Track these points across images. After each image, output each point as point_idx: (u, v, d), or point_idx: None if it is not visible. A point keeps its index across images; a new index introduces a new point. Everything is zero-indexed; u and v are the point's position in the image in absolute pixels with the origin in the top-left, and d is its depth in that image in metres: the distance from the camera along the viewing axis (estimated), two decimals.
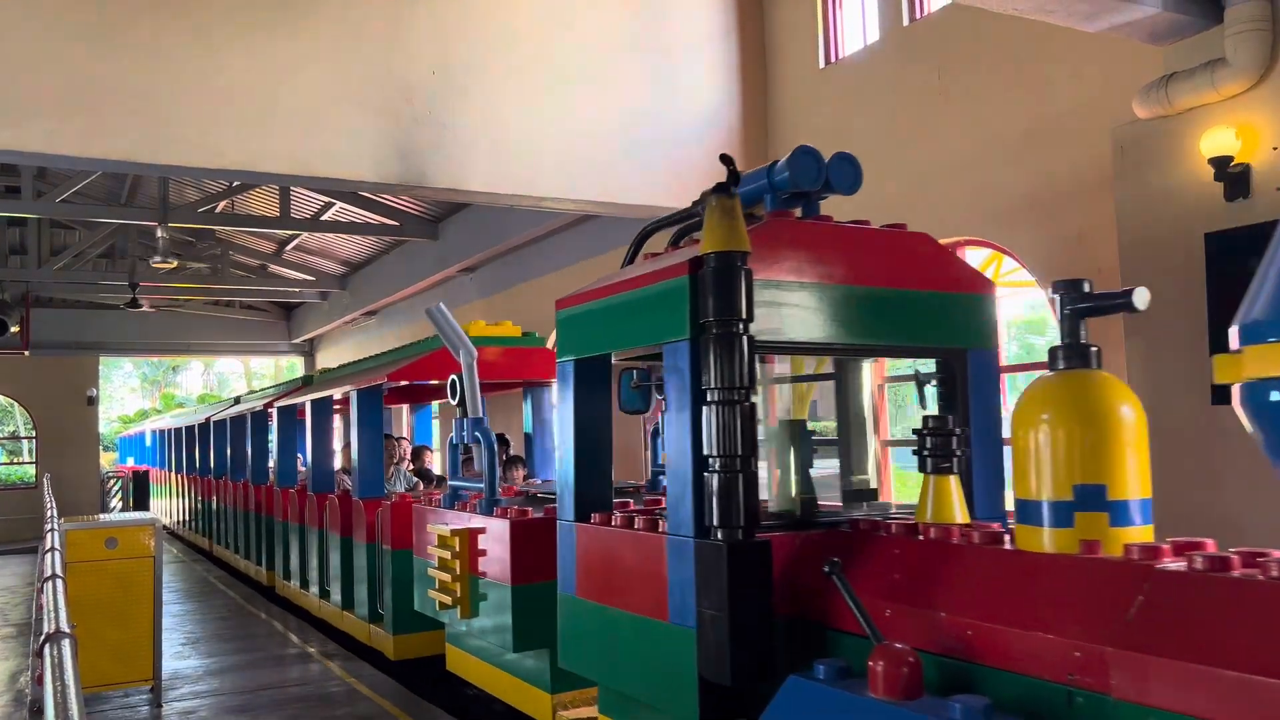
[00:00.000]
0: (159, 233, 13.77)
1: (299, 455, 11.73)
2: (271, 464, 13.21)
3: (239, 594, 11.86)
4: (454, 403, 4.96)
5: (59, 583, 3.97)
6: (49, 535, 6.07)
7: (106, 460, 30.62)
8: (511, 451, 10.26)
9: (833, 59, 8.64)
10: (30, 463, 22.42)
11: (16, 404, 22.45)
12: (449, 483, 5.34)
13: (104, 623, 6.53)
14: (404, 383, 8.58)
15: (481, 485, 5.47)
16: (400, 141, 7.53)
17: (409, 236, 15.02)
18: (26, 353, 19.66)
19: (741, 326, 2.96)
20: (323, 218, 15.73)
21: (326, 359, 23.37)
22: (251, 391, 16.56)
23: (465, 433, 5.03)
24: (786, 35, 9.02)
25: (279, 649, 8.61)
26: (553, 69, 8.12)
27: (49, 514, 8.71)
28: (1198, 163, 5.29)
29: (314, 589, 9.55)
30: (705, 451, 2.99)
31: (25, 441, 22.84)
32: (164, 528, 19.94)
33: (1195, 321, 5.34)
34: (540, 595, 4.54)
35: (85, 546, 6.61)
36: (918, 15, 7.79)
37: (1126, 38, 5.59)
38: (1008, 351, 13.35)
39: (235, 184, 13.86)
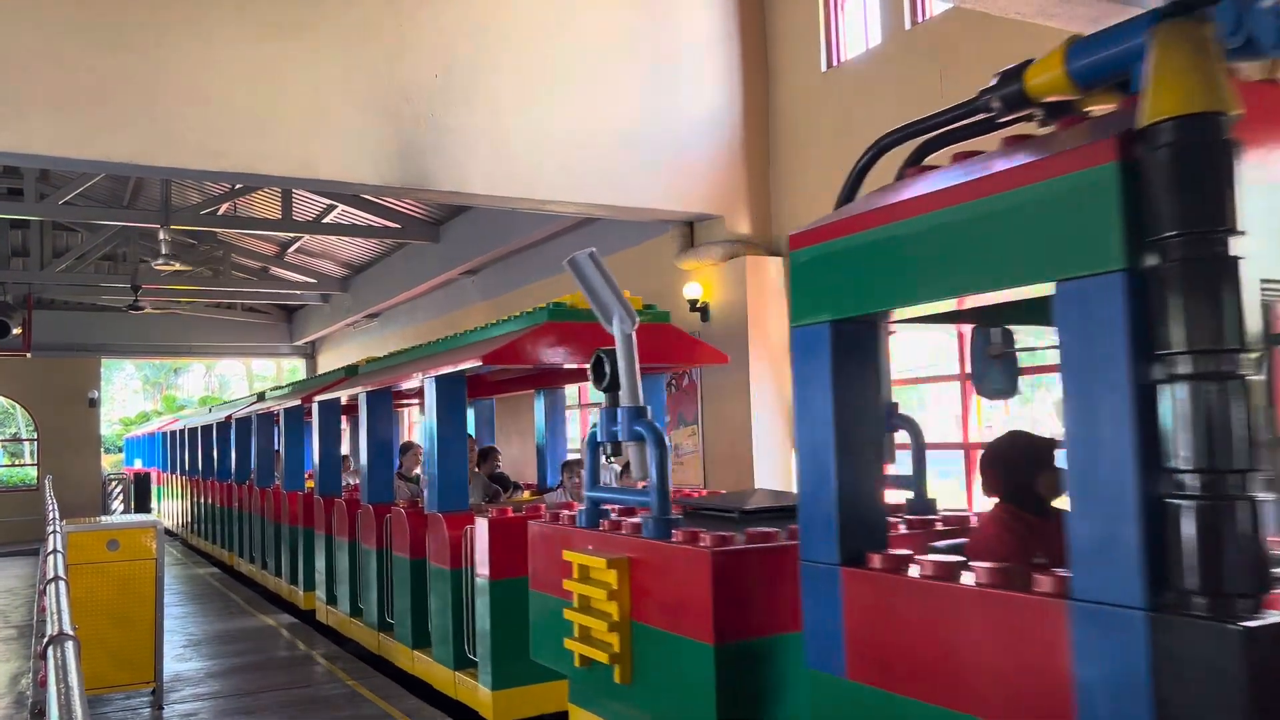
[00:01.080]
0: (161, 235, 13.78)
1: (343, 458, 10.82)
2: (310, 468, 12.27)
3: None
4: (600, 387, 3.91)
5: (61, 585, 3.97)
6: (51, 537, 6.07)
7: (108, 462, 30.64)
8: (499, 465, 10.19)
9: (835, 62, 8.65)
10: (32, 465, 22.43)
11: (18, 406, 22.46)
12: (587, 493, 4.15)
13: (105, 625, 6.54)
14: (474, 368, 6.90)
15: (634, 496, 4.08)
16: (402, 144, 7.53)
17: (410, 239, 15.03)
18: (28, 354, 19.67)
19: (1236, 246, 1.79)
20: (324, 220, 15.75)
21: (328, 361, 23.38)
22: (278, 386, 14.85)
23: (619, 427, 3.86)
24: (788, 38, 9.03)
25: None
26: (555, 72, 8.13)
27: (50, 516, 8.71)
28: None
29: (370, 619, 8.07)
30: (1169, 462, 1.83)
31: (27, 443, 22.85)
32: (178, 539, 19.04)
33: None
34: (755, 659, 3.21)
35: (87, 548, 6.62)
36: (920, 18, 7.80)
37: None
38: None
39: (237, 186, 13.88)
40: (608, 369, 3.94)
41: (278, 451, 11.97)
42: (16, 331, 18.98)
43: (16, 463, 24.90)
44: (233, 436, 14.04)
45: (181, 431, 19.34)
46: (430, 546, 6.70)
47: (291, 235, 17.41)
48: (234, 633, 9.60)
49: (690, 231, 9.21)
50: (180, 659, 8.30)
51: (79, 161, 6.93)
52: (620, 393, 3.89)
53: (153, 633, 6.74)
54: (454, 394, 6.55)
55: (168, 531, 20.61)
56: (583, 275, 3.95)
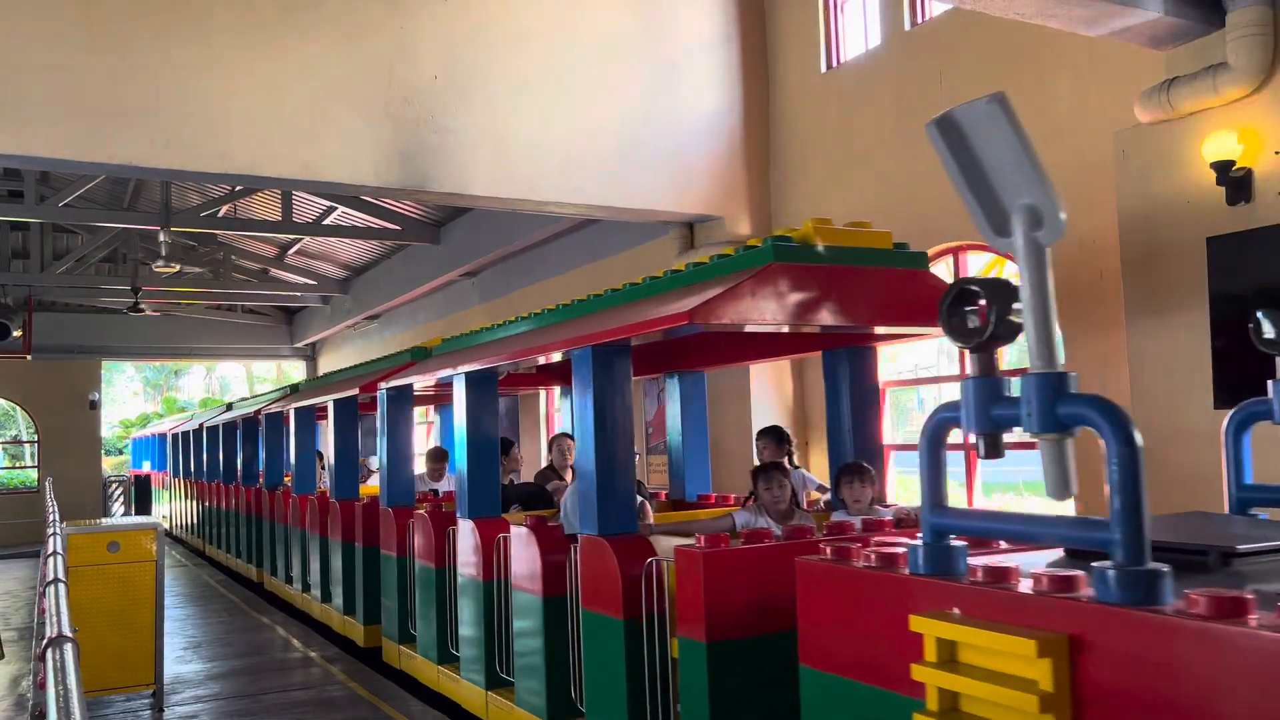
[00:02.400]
0: (161, 237, 13.78)
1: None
2: (365, 472, 11.15)
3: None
4: (968, 344, 2.36)
5: (61, 587, 3.97)
6: (51, 539, 6.07)
7: (109, 464, 30.61)
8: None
9: (834, 63, 8.65)
10: (32, 467, 22.44)
11: (19, 408, 22.47)
12: (928, 517, 2.54)
13: (106, 627, 6.53)
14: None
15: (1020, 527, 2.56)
16: (402, 146, 7.54)
17: (411, 241, 15.03)
18: (29, 357, 19.67)
19: None
20: (324, 222, 15.75)
21: (328, 363, 23.38)
22: (319, 377, 12.69)
23: (1027, 407, 2.23)
24: (788, 39, 9.03)
25: (280, 653, 8.60)
26: (555, 73, 8.14)
27: (51, 518, 8.71)
28: (1200, 167, 5.29)
29: (477, 677, 6.00)
30: None
31: (27, 445, 22.85)
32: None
33: (1197, 326, 5.34)
34: None
35: (87, 550, 6.62)
36: (919, 20, 7.80)
37: (1128, 42, 5.60)
38: (1008, 357, 13.35)
39: (237, 188, 13.88)
40: (989, 306, 2.25)
41: (319, 452, 11.01)
42: (17, 334, 18.98)
43: (17, 465, 24.90)
44: (262, 435, 12.35)
45: (198, 430, 17.41)
46: (594, 586, 4.62)
47: (292, 237, 17.42)
48: (234, 634, 9.60)
49: (690, 233, 9.22)
50: (181, 661, 8.30)
51: (79, 164, 6.94)
52: (1030, 345, 2.20)
53: (153, 634, 6.74)
54: (618, 371, 4.63)
55: (174, 537, 19.89)
56: (969, 139, 2.35)
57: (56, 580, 4.10)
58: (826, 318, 4.03)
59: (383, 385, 7.65)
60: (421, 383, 7.05)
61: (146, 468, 26.69)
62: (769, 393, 8.89)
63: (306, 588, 10.14)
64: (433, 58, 7.70)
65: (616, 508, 4.58)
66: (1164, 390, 5.48)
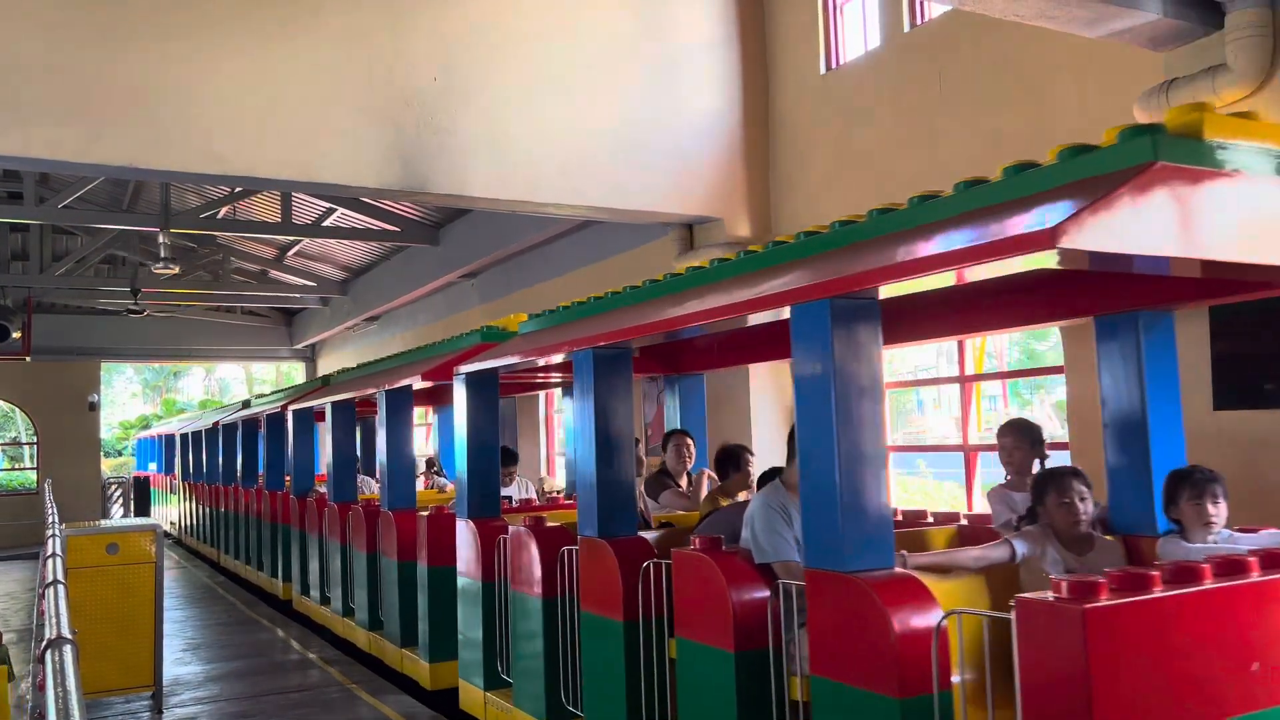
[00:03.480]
0: (160, 238, 13.78)
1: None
2: (424, 478, 10.23)
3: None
4: None
5: (60, 588, 3.96)
6: (50, 541, 6.07)
7: (108, 466, 30.58)
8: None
9: (834, 65, 8.66)
10: (31, 468, 22.43)
11: (18, 409, 22.47)
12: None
13: (105, 629, 6.54)
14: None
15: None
16: (402, 147, 7.54)
17: (410, 242, 15.02)
18: (28, 358, 19.67)
19: None
20: (324, 223, 15.75)
21: (328, 365, 23.38)
22: (360, 366, 10.45)
23: None
24: (788, 41, 9.04)
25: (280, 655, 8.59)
26: (555, 75, 8.14)
27: (50, 519, 8.71)
28: None
29: None
30: None
31: (26, 447, 22.84)
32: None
33: (1197, 328, 5.34)
34: None
35: (86, 552, 6.62)
36: (918, 21, 7.81)
37: (1127, 43, 5.60)
38: (1008, 358, 13.37)
39: (237, 190, 13.88)
40: None
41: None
42: (16, 335, 18.98)
43: (16, 466, 24.89)
44: (290, 432, 10.95)
45: (211, 430, 15.99)
46: (865, 666, 3.16)
47: (291, 239, 17.41)
48: (233, 636, 9.59)
49: (690, 234, 9.22)
50: (180, 662, 8.30)
51: (79, 165, 6.94)
52: None
53: (152, 636, 6.74)
54: (863, 336, 3.33)
55: (185, 545, 18.87)
56: None
57: (55, 582, 4.09)
58: (1248, 249, 2.67)
59: (462, 368, 6.02)
60: (513, 365, 5.58)
61: (153, 469, 25.39)
62: (768, 394, 8.89)
63: (349, 611, 8.74)
64: (432, 59, 7.70)
65: (830, 535, 3.31)
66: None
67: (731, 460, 5.72)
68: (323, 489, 10.03)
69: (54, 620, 3.25)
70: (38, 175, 13.44)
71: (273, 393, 15.42)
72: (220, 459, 15.28)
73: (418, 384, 7.12)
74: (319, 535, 9.58)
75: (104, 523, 9.28)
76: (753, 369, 8.68)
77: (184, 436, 19.25)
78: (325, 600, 9.52)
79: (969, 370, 7.66)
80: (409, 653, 7.24)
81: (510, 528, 5.59)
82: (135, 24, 6.85)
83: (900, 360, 9.27)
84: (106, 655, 6.52)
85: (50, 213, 13.38)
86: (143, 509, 24.72)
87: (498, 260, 13.73)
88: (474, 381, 6.07)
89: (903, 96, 7.76)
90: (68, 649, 2.56)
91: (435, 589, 6.85)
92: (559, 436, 13.91)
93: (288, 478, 11.54)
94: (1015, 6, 5.26)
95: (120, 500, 25.44)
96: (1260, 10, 5.11)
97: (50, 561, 4.99)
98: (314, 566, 9.95)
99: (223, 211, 15.01)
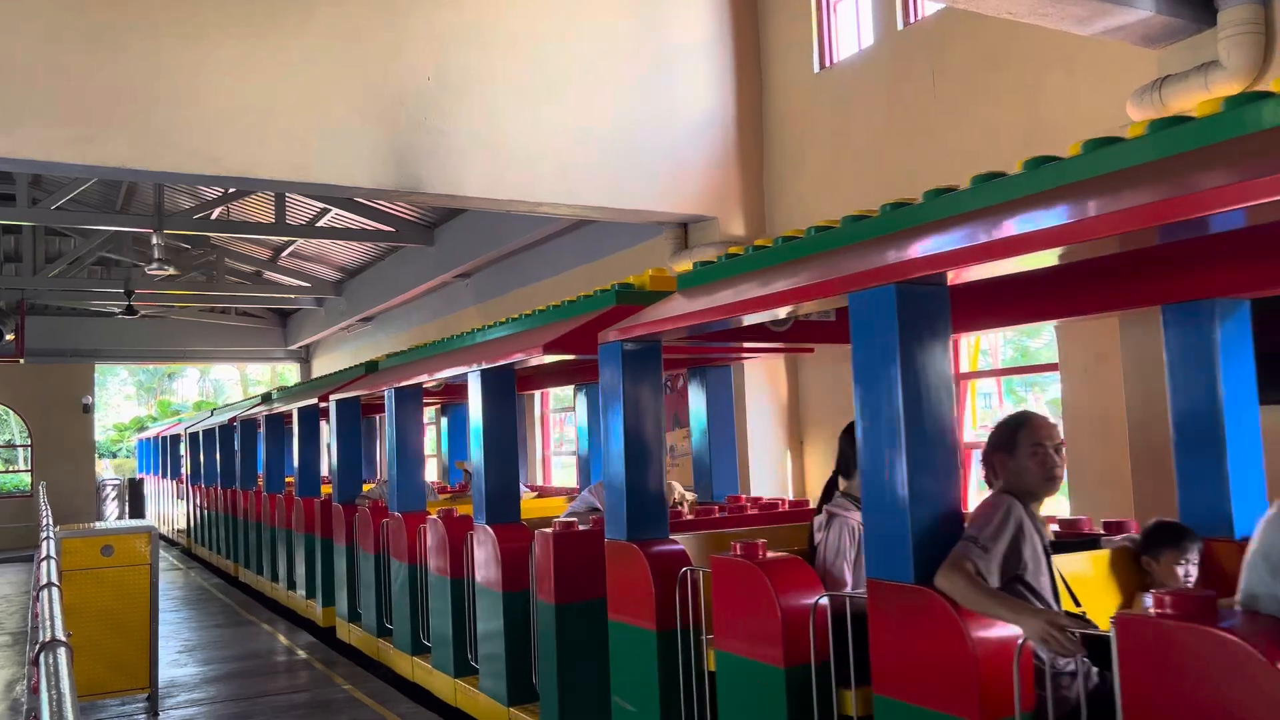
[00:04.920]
0: (154, 240, 13.76)
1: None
2: (467, 477, 9.16)
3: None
4: None
5: (54, 591, 3.95)
6: (44, 543, 6.05)
7: (102, 467, 30.52)
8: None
9: (827, 63, 8.66)
10: (25, 471, 22.38)
11: (12, 412, 22.41)
12: None
13: (100, 630, 6.52)
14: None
15: None
16: (396, 148, 7.53)
17: (405, 242, 15.02)
18: (21, 360, 19.62)
19: None
20: (318, 224, 15.73)
21: (322, 366, 23.35)
22: (424, 346, 7.83)
23: None
24: (782, 40, 9.04)
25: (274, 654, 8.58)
26: (549, 74, 8.13)
27: (44, 522, 8.69)
28: None
29: None
30: None
31: (20, 449, 22.79)
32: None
33: None
34: None
35: (81, 554, 6.61)
36: (912, 19, 7.82)
37: (1120, 41, 5.61)
38: (1002, 355, 13.39)
39: (230, 191, 13.86)
40: None
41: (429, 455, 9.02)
42: (9, 337, 18.96)
43: (10, 469, 24.82)
44: (335, 427, 8.96)
45: (226, 427, 14.57)
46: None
47: (285, 239, 17.39)
48: (230, 637, 9.57)
49: (684, 233, 9.22)
50: (176, 664, 8.28)
51: (72, 166, 6.92)
52: None
53: (148, 638, 6.72)
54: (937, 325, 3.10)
55: (194, 555, 17.61)
56: None
57: (50, 584, 4.08)
58: None
59: (615, 335, 4.41)
60: (720, 324, 4.00)
61: (152, 472, 24.07)
62: (763, 391, 8.89)
63: (420, 648, 7.02)
64: (426, 59, 7.69)
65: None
66: (1160, 386, 5.49)
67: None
68: (371, 494, 8.73)
69: (48, 623, 3.24)
70: (30, 176, 13.41)
71: (299, 385, 13.78)
72: (238, 460, 13.70)
73: (534, 359, 5.23)
74: (376, 553, 7.78)
75: (98, 525, 9.24)
76: (748, 370, 8.67)
77: (194, 436, 17.56)
78: (384, 631, 7.76)
79: (964, 368, 7.67)
80: (519, 713, 5.52)
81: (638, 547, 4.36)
82: (128, 25, 6.83)
83: None
84: (102, 658, 6.51)
85: (43, 214, 13.35)
86: (137, 511, 24.67)
87: (492, 260, 13.72)
88: (634, 355, 4.39)
89: (897, 94, 7.77)
90: (61, 652, 2.55)
91: (514, 616, 5.55)
92: (554, 436, 13.91)
93: (329, 480, 9.74)
94: (1008, 4, 5.26)
95: (115, 502, 25.37)
96: (1252, 7, 5.13)
97: (44, 564, 4.98)
98: (368, 589, 8.02)
99: (216, 212, 14.99)
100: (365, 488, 9.23)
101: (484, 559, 5.81)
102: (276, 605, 11.25)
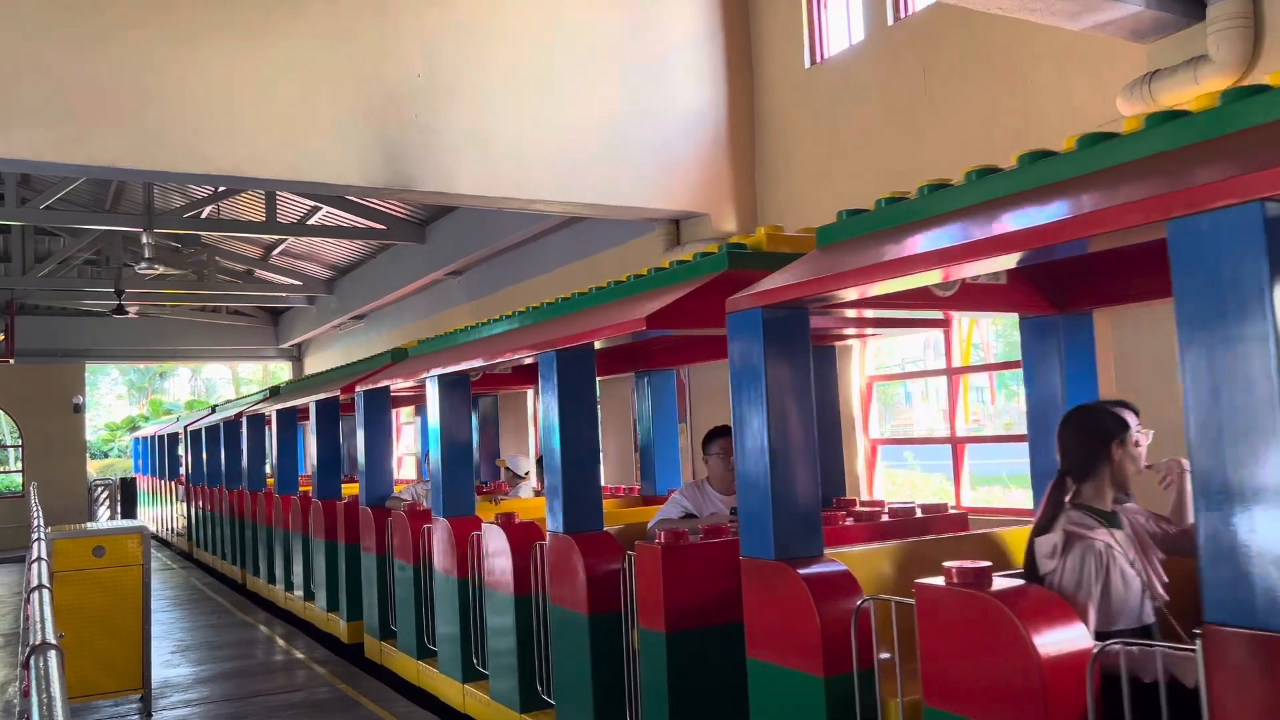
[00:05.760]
0: (144, 239, 13.71)
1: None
2: (510, 477, 8.45)
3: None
4: None
5: (45, 593, 3.93)
6: (35, 545, 6.03)
7: (94, 468, 30.40)
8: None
9: (818, 59, 8.66)
10: (16, 471, 22.30)
11: (2, 412, 22.31)
12: None
13: (92, 632, 6.50)
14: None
15: None
16: (387, 145, 7.51)
17: (396, 240, 14.98)
18: (11, 361, 19.54)
19: None
20: (309, 222, 15.68)
21: (314, 364, 23.30)
22: (466, 329, 6.85)
23: None
24: (772, 35, 9.04)
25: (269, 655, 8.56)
26: (540, 71, 8.11)
27: (36, 523, 8.65)
28: None
29: None
30: None
31: (11, 450, 22.70)
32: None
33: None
34: None
35: (73, 555, 6.58)
36: (902, 14, 7.82)
37: (1110, 36, 5.62)
38: (995, 350, 13.44)
39: (221, 189, 13.81)
40: None
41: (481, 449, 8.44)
42: None
43: (1, 470, 24.71)
44: (362, 421, 8.17)
45: (231, 423, 13.66)
46: None
47: (276, 237, 17.34)
48: (223, 637, 9.55)
49: (676, 229, 9.21)
50: (169, 665, 8.26)
51: (62, 166, 6.88)
52: None
53: (140, 639, 6.70)
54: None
55: (190, 557, 16.99)
56: None
57: (41, 586, 4.06)
58: None
59: (763, 298, 3.55)
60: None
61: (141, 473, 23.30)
62: None
63: (473, 674, 6.20)
64: (416, 56, 7.67)
65: None
66: (1149, 382, 5.51)
67: None
68: (404, 496, 8.03)
69: (38, 626, 3.23)
70: (19, 176, 13.34)
71: (312, 377, 12.64)
72: (245, 458, 12.87)
73: (619, 337, 4.56)
74: (415, 563, 6.92)
75: (90, 526, 9.21)
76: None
77: (195, 434, 16.84)
78: (426, 652, 6.88)
79: (956, 363, 7.68)
80: None
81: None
82: (118, 24, 6.79)
83: (887, 353, 9.29)
84: (94, 659, 6.49)
85: (32, 214, 13.29)
86: (129, 512, 24.59)
87: (484, 258, 13.70)
88: (778, 325, 3.59)
89: (888, 89, 7.77)
90: (52, 655, 2.54)
91: (602, 643, 4.71)
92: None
93: (352, 478, 9.51)
94: (998, 0, 5.27)
95: (107, 503, 25.29)
96: (1241, 1, 5.14)
97: (36, 565, 4.96)
98: (406, 605, 7.14)
99: (207, 211, 14.94)
100: (395, 488, 8.49)
101: (562, 575, 4.91)
102: (293, 618, 10.36)
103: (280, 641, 9.25)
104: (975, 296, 3.99)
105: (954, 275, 3.23)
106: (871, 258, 3.17)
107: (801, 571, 3.43)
